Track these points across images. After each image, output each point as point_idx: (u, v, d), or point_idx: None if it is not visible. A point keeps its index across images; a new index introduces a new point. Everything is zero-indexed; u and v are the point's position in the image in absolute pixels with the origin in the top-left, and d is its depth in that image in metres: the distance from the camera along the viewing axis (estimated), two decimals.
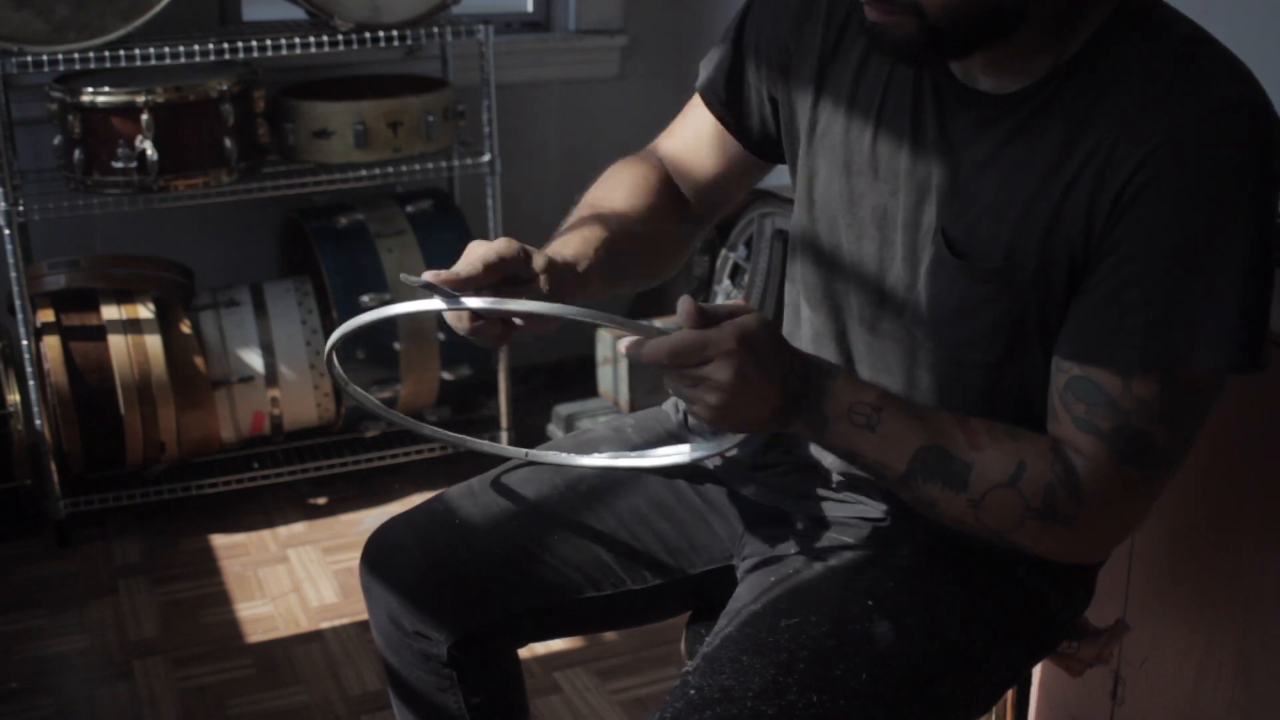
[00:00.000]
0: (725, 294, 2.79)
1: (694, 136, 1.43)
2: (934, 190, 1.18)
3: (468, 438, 1.48)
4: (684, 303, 1.11)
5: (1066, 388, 1.12)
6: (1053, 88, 1.12)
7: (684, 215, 1.43)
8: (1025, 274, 1.13)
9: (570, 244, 1.30)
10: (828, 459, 1.32)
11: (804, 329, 1.35)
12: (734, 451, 1.37)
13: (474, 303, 1.15)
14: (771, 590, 1.23)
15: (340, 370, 1.32)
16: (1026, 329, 1.16)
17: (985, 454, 1.13)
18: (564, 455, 1.43)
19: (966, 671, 1.21)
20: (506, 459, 1.46)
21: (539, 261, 1.23)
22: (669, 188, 1.43)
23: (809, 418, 1.15)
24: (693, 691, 1.13)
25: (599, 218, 1.35)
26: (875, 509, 1.29)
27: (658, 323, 1.13)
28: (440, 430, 1.48)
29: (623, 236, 1.34)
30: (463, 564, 1.36)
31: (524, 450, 1.46)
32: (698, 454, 1.38)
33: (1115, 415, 1.10)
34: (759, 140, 1.38)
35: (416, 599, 1.36)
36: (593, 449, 1.44)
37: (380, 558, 1.40)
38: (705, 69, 1.40)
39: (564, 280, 1.24)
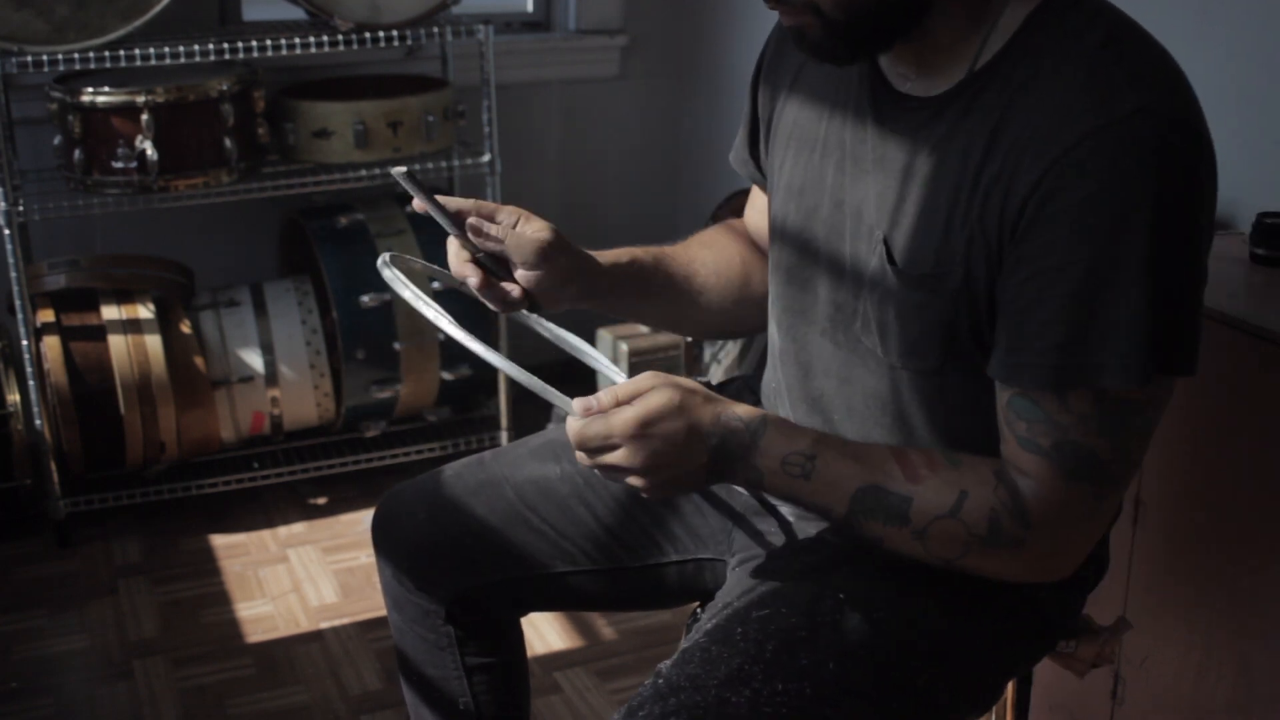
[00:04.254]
0: None
1: (751, 204, 1.50)
2: (877, 199, 1.20)
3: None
4: (577, 404, 1.15)
5: (1008, 406, 1.13)
6: (975, 90, 1.13)
7: (764, 280, 1.46)
8: (954, 280, 1.14)
9: (614, 251, 1.36)
10: None
11: (774, 343, 1.37)
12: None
13: (441, 322, 1.21)
14: (754, 587, 1.25)
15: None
16: (959, 335, 1.16)
17: (924, 486, 1.14)
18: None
19: (945, 667, 1.21)
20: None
21: (538, 223, 1.28)
22: (751, 249, 1.48)
23: (745, 473, 1.18)
24: (661, 680, 1.14)
25: (664, 250, 1.41)
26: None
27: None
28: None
29: (678, 270, 1.41)
30: (463, 528, 1.42)
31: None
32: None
33: (1055, 431, 1.10)
34: None
35: (420, 558, 1.43)
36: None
37: (389, 519, 1.47)
38: (736, 139, 1.46)
39: (566, 251, 1.29)
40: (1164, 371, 1.08)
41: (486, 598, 1.43)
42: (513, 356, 1.29)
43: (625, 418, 1.13)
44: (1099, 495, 1.12)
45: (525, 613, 1.51)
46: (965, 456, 1.16)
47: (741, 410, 1.18)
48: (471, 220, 1.26)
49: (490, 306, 1.30)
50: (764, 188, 1.44)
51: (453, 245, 1.28)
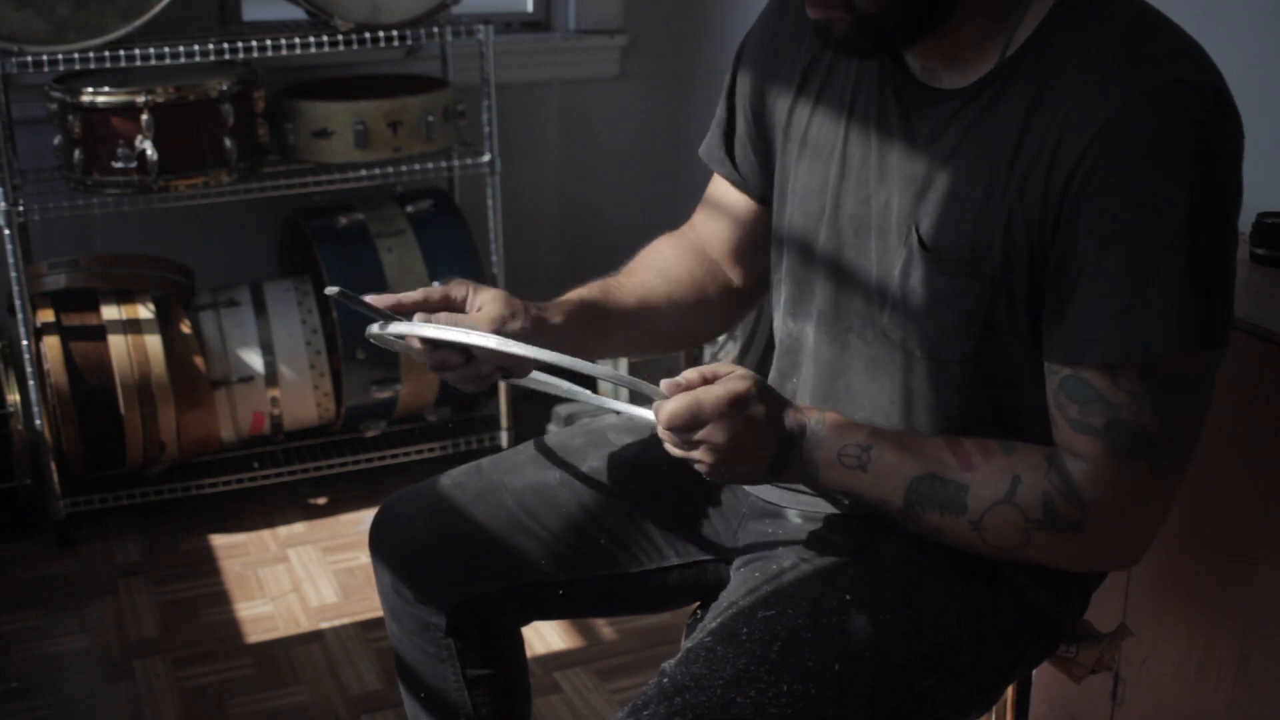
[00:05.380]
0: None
1: (712, 204, 1.48)
2: (904, 190, 1.20)
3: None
4: (665, 385, 1.17)
5: (1060, 389, 1.13)
6: (1004, 78, 1.14)
7: (720, 287, 1.47)
8: (991, 264, 1.14)
9: (561, 299, 1.36)
10: None
11: (786, 342, 1.37)
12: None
13: (488, 340, 1.17)
14: (759, 587, 1.25)
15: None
16: (996, 321, 1.17)
17: (978, 473, 1.15)
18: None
19: (950, 669, 1.21)
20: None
21: (487, 295, 1.29)
22: (699, 260, 1.47)
23: (802, 466, 1.20)
24: (666, 680, 1.14)
25: (608, 283, 1.41)
26: (861, 507, 1.30)
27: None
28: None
29: (630, 302, 1.40)
30: (463, 536, 1.40)
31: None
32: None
33: (1107, 410, 1.10)
34: (761, 189, 1.41)
35: (418, 568, 1.41)
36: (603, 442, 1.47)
37: (387, 528, 1.45)
38: (708, 135, 1.45)
39: (519, 316, 1.29)
40: (1205, 345, 1.08)
41: (487, 607, 1.41)
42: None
43: (716, 395, 1.15)
44: (1155, 473, 1.11)
45: (527, 621, 1.49)
46: (1019, 443, 1.16)
47: (801, 405, 1.21)
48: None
49: (465, 390, 1.32)
50: (739, 186, 1.43)
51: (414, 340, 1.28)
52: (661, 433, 1.19)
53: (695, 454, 1.18)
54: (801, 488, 1.35)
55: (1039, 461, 1.14)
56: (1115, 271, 1.07)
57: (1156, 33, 1.10)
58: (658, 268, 1.46)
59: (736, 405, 1.15)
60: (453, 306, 1.30)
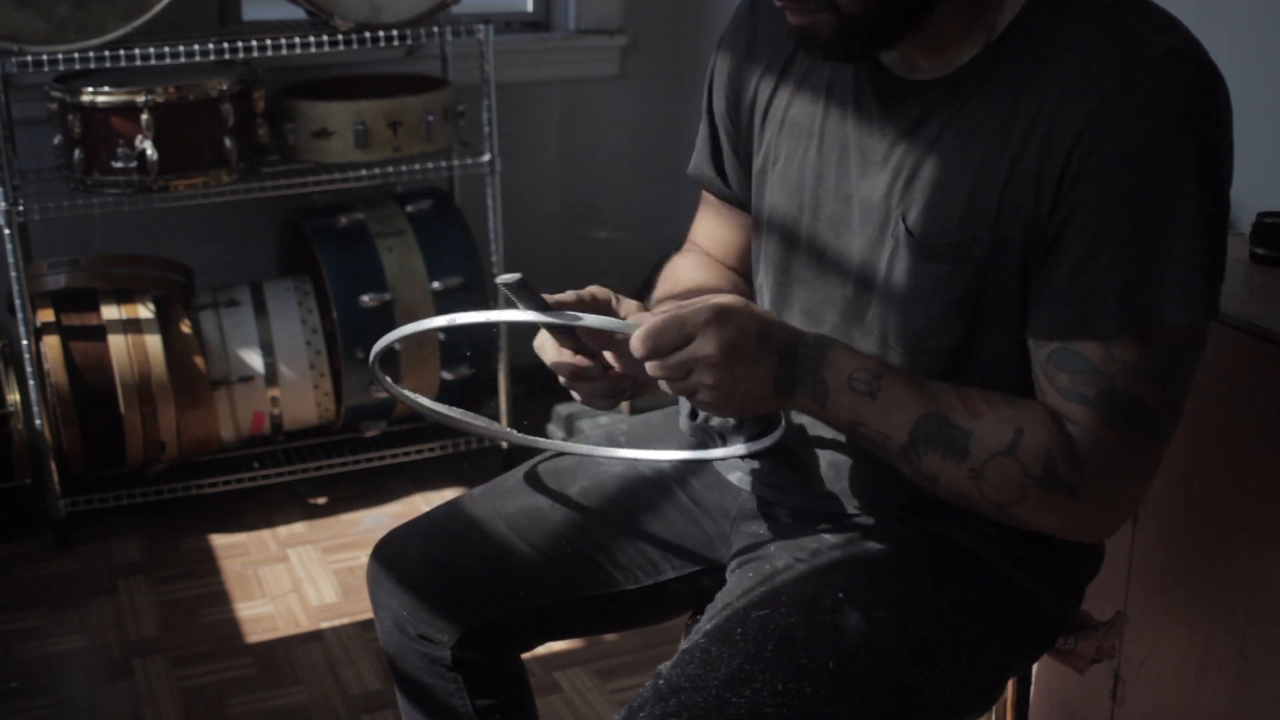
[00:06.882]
0: None
1: (708, 220, 1.47)
2: (887, 182, 1.19)
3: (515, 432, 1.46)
4: (637, 317, 1.11)
5: (1049, 361, 1.12)
6: (988, 63, 1.14)
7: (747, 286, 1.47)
8: (980, 249, 1.14)
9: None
10: (811, 453, 1.32)
11: None
12: (762, 444, 1.32)
13: (521, 315, 1.13)
14: (753, 588, 1.24)
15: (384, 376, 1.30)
16: (985, 308, 1.16)
17: (984, 421, 1.12)
18: (587, 447, 1.45)
19: (944, 666, 1.20)
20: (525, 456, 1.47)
21: (629, 305, 1.25)
22: (717, 264, 1.47)
23: (812, 388, 1.14)
24: (661, 682, 1.14)
25: (682, 290, 1.39)
26: (854, 505, 1.30)
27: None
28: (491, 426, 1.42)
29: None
30: (461, 566, 1.39)
31: (557, 442, 1.47)
32: (717, 454, 1.38)
33: (1100, 380, 1.10)
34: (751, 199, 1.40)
35: (418, 602, 1.39)
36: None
37: (384, 564, 1.43)
38: (694, 154, 1.44)
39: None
40: (1209, 314, 1.09)
41: (489, 636, 1.40)
42: (512, 359, 1.29)
43: (700, 306, 1.10)
44: (1145, 444, 1.11)
45: (530, 647, 1.47)
46: (1022, 399, 1.15)
47: (802, 329, 1.16)
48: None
49: (595, 406, 1.27)
50: (730, 200, 1.41)
51: (551, 341, 1.24)
52: (652, 367, 1.11)
53: (690, 380, 1.11)
54: (790, 487, 1.35)
55: (1043, 417, 1.12)
56: (1123, 244, 1.07)
57: (1144, 9, 1.11)
58: (698, 272, 1.43)
59: (722, 315, 1.09)
60: (600, 308, 1.24)
